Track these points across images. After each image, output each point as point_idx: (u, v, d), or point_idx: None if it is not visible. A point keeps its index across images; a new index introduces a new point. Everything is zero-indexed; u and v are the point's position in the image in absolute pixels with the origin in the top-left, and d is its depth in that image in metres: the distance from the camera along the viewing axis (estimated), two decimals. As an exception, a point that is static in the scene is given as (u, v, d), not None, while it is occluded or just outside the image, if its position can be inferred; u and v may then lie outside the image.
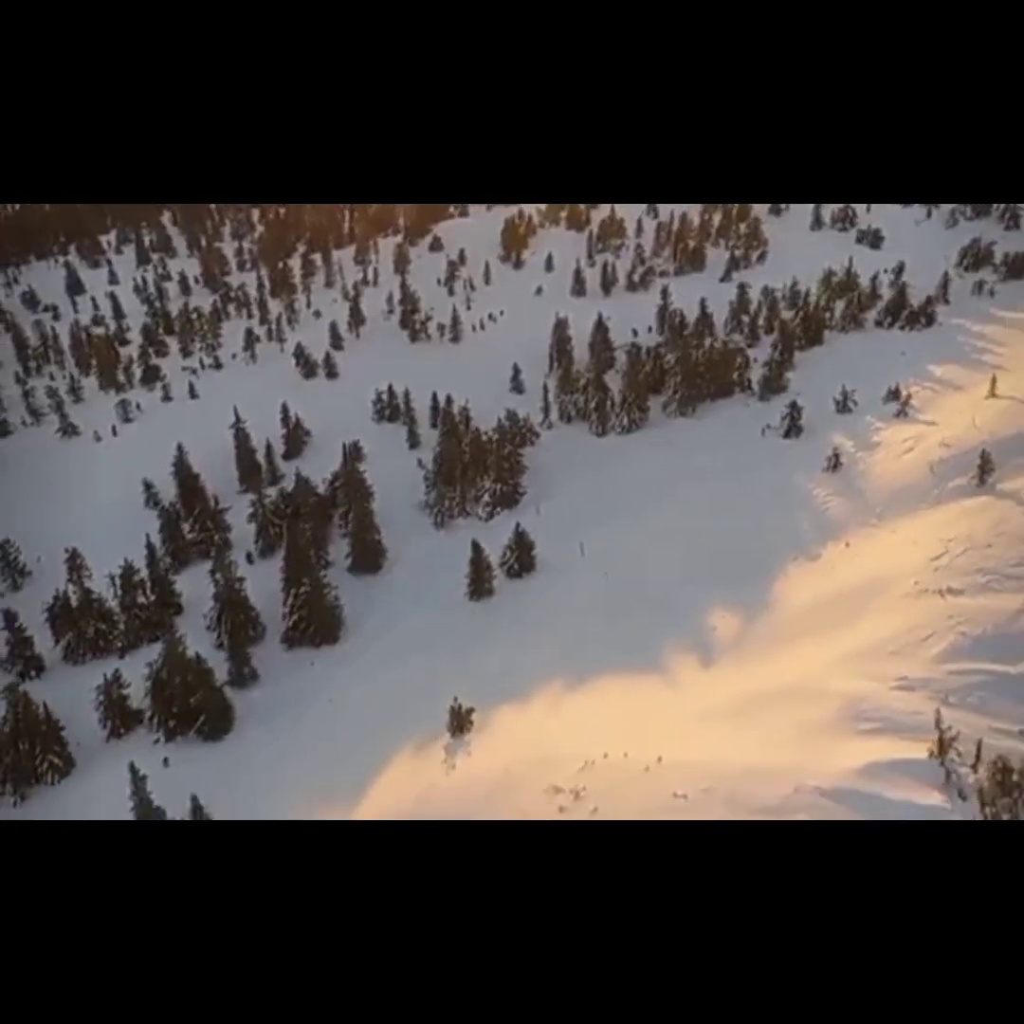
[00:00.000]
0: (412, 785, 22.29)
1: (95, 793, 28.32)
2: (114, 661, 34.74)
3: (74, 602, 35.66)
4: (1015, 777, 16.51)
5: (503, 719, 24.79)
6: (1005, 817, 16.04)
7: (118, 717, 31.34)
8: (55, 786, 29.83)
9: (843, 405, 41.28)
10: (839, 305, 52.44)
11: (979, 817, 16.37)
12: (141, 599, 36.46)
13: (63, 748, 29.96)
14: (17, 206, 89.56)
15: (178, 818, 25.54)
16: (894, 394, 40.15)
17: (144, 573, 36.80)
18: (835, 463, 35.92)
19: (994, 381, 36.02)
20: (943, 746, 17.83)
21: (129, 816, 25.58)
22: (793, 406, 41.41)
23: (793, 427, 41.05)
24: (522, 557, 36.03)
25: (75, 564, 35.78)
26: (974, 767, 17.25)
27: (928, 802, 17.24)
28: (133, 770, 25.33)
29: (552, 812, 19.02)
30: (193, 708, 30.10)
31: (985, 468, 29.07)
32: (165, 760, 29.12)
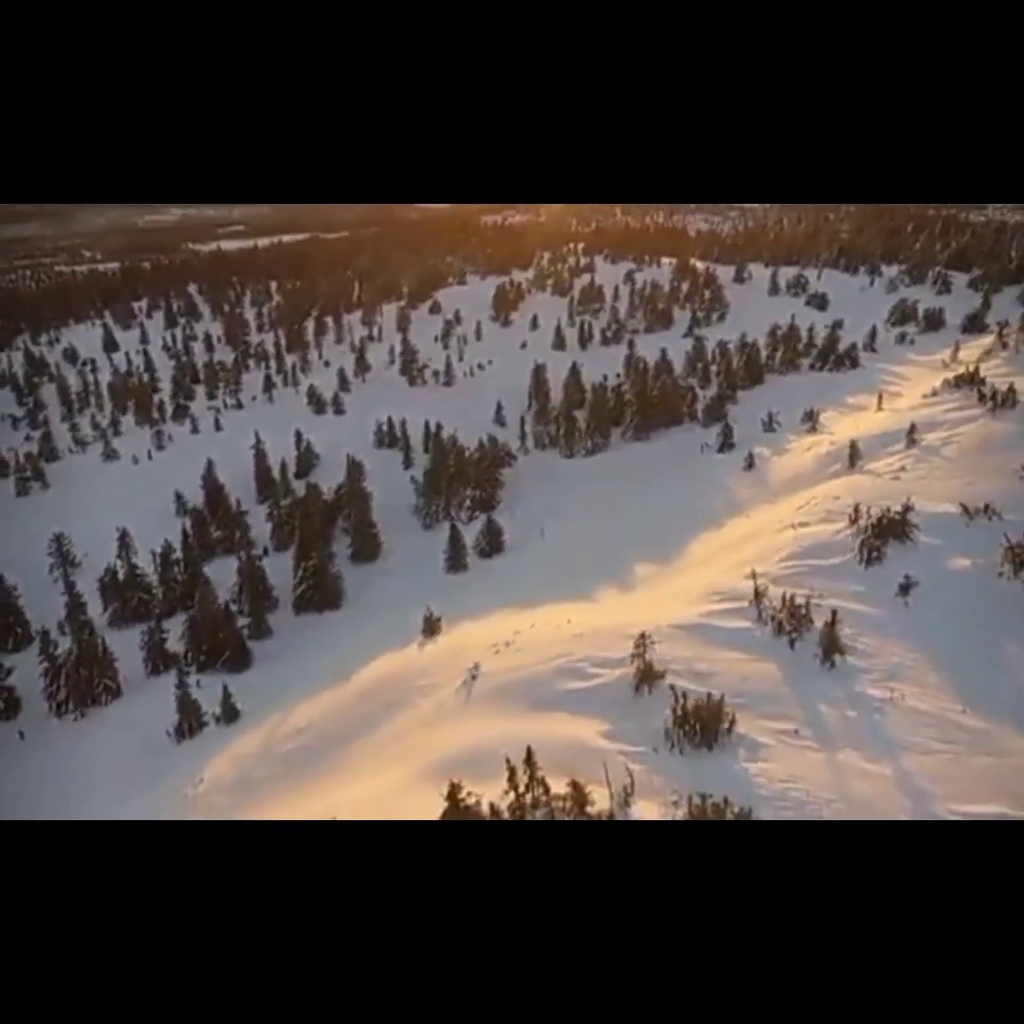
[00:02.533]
0: (394, 662, 30.70)
1: (140, 710, 36.61)
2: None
3: (121, 576, 44.62)
4: (802, 610, 24.84)
5: (465, 626, 33.28)
6: (787, 629, 24.16)
7: (158, 657, 39.81)
8: (107, 706, 38.01)
9: (769, 425, 50.63)
10: (780, 353, 62.56)
11: (772, 632, 24.48)
12: (177, 576, 45.38)
13: (114, 675, 38.36)
14: (58, 276, 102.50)
15: (212, 710, 33.85)
16: (809, 416, 49.59)
17: (179, 554, 45.85)
18: (750, 463, 45.10)
19: (880, 398, 45.43)
20: (758, 596, 26.09)
21: (172, 712, 33.76)
22: (726, 427, 50.89)
23: (726, 443, 50.33)
24: (492, 540, 44.96)
25: (124, 543, 44.86)
26: (780, 610, 25.64)
27: (742, 625, 25.36)
28: (180, 670, 33.77)
29: (489, 655, 27.40)
30: (220, 643, 38.62)
31: (854, 455, 38.09)
32: (198, 681, 37.43)
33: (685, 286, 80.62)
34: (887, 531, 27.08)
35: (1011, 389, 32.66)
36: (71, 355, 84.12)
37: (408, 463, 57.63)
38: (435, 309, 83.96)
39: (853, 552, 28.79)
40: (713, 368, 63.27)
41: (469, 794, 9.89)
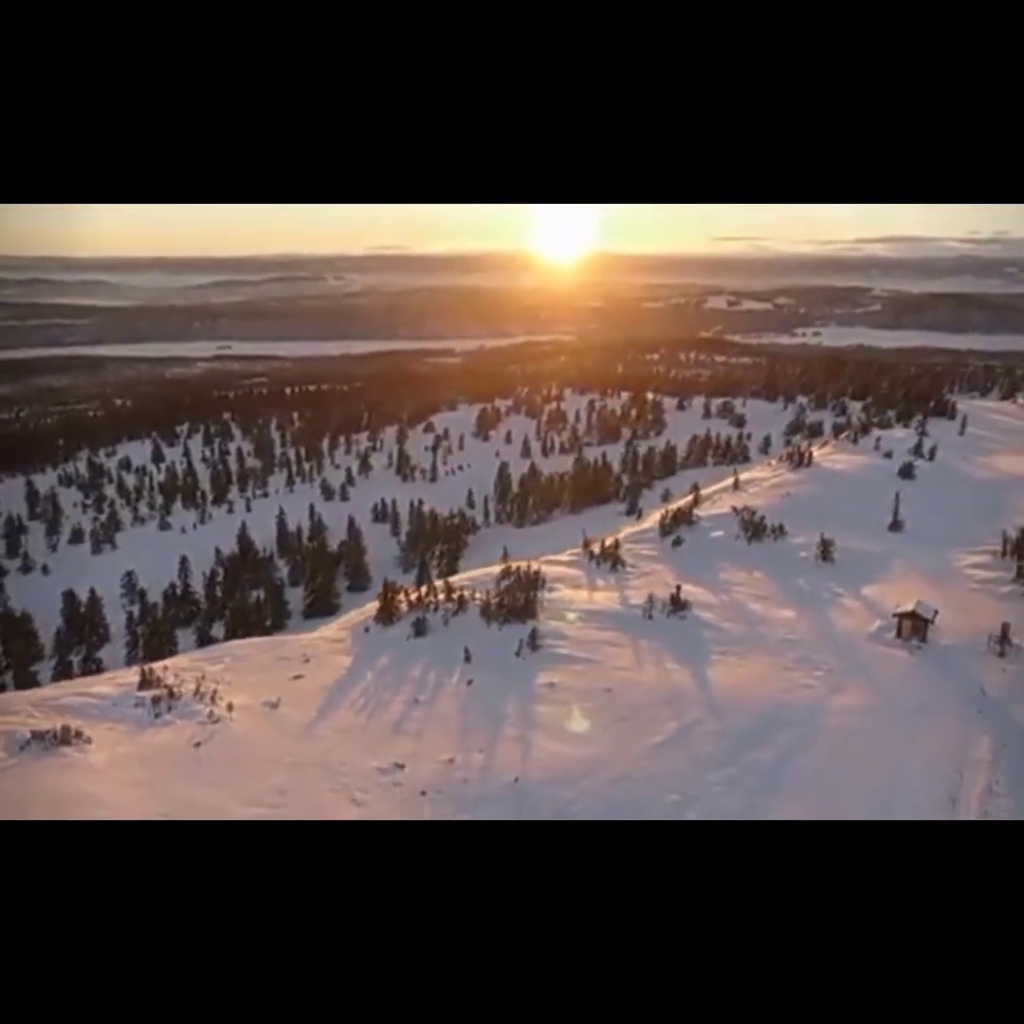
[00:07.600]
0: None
1: (193, 667, 55.61)
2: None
3: (179, 591, 64.47)
4: (608, 550, 44.00)
5: (418, 593, 52.64)
6: (597, 558, 43.01)
7: (205, 639, 58.97)
8: (170, 666, 56.93)
9: (666, 498, 71.16)
10: (691, 454, 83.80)
11: (588, 560, 43.36)
12: (218, 593, 65.12)
13: (176, 644, 57.46)
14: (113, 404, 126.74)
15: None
16: (694, 487, 70.23)
17: (220, 579, 65.84)
18: (639, 514, 65.32)
19: (736, 472, 66.15)
20: (586, 545, 45.14)
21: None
22: (634, 500, 71.56)
23: (633, 511, 70.80)
24: (451, 566, 64.78)
25: (184, 567, 65.00)
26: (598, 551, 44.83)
27: (574, 560, 44.27)
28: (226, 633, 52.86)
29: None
30: (250, 625, 57.86)
31: (697, 499, 58.39)
32: (235, 647, 56.29)
33: (634, 411, 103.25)
34: (679, 519, 46.98)
35: (810, 455, 53.52)
36: (126, 464, 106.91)
37: (396, 532, 78.08)
38: (429, 429, 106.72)
39: (657, 531, 48.36)
40: (640, 467, 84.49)
41: (397, 585, 27.94)
